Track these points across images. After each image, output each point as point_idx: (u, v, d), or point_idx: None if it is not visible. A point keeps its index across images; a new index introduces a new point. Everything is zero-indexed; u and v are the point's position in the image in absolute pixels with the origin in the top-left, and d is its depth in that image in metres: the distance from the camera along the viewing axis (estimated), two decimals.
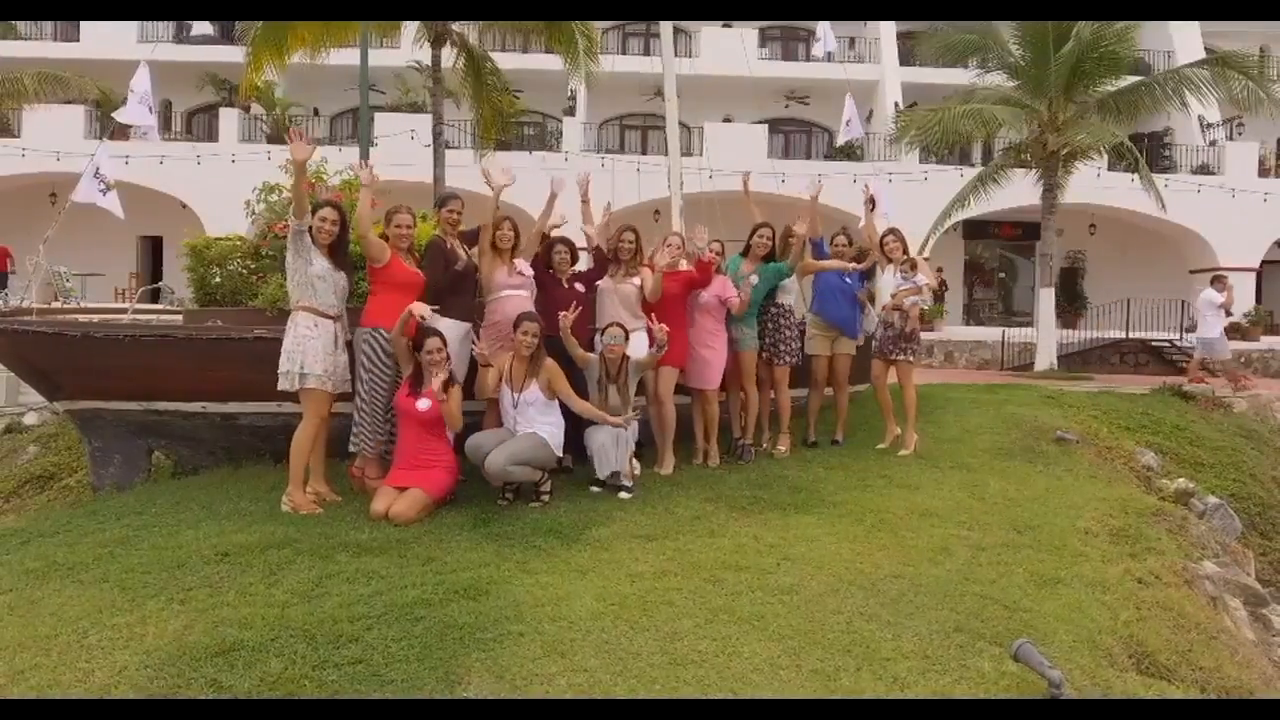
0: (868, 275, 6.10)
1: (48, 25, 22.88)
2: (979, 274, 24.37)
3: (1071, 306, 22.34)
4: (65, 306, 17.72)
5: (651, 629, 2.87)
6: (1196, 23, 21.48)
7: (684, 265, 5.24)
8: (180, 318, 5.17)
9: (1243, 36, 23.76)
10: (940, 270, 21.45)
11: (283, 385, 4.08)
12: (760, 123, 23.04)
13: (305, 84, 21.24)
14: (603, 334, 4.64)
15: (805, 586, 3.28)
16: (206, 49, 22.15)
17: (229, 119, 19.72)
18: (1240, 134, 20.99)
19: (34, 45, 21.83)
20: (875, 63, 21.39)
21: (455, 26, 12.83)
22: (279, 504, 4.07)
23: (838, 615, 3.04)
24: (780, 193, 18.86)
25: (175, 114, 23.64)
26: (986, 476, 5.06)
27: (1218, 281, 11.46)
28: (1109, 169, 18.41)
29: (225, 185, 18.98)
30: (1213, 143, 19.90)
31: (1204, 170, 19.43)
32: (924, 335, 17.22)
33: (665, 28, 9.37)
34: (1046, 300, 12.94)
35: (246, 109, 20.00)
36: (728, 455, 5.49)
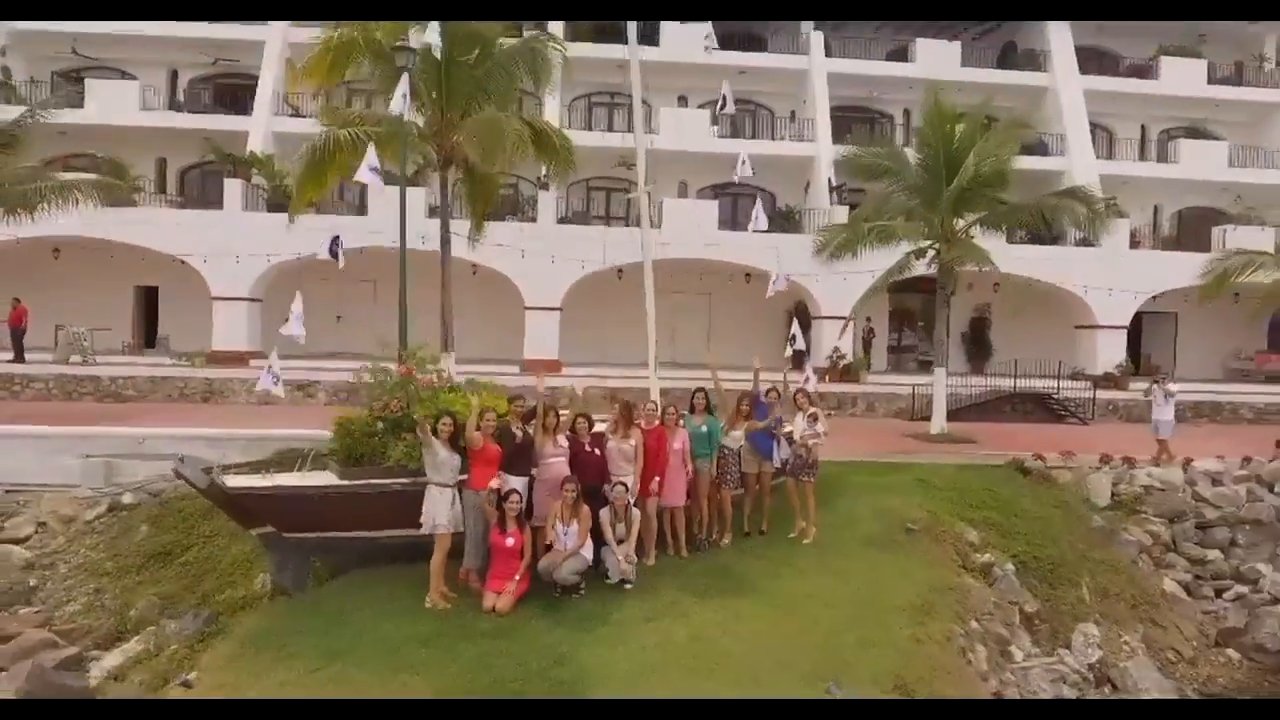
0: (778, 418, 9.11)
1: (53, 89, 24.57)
2: (905, 319, 27.93)
3: (980, 352, 26.05)
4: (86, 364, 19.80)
5: (659, 673, 5.76)
6: (1086, 118, 25.31)
7: (658, 417, 8.21)
8: (336, 476, 7.70)
9: (1125, 120, 27.85)
10: (869, 320, 24.89)
11: (424, 531, 6.85)
12: (712, 187, 26.21)
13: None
14: (612, 489, 7.51)
15: (739, 650, 6.21)
16: (200, 117, 24.20)
17: (233, 189, 21.86)
18: (1116, 212, 24.86)
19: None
20: (812, 140, 24.61)
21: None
22: (423, 601, 6.85)
23: (757, 665, 5.98)
24: (726, 260, 22.03)
25: (170, 171, 25.61)
26: (853, 564, 8.11)
27: (1163, 380, 14.58)
28: (1008, 241, 22.03)
29: (230, 248, 21.36)
30: (1093, 219, 23.60)
31: (1085, 243, 23.15)
32: (850, 389, 20.46)
33: (637, 123, 12.02)
34: (940, 377, 16.18)
35: (248, 178, 22.17)
36: (690, 546, 8.42)
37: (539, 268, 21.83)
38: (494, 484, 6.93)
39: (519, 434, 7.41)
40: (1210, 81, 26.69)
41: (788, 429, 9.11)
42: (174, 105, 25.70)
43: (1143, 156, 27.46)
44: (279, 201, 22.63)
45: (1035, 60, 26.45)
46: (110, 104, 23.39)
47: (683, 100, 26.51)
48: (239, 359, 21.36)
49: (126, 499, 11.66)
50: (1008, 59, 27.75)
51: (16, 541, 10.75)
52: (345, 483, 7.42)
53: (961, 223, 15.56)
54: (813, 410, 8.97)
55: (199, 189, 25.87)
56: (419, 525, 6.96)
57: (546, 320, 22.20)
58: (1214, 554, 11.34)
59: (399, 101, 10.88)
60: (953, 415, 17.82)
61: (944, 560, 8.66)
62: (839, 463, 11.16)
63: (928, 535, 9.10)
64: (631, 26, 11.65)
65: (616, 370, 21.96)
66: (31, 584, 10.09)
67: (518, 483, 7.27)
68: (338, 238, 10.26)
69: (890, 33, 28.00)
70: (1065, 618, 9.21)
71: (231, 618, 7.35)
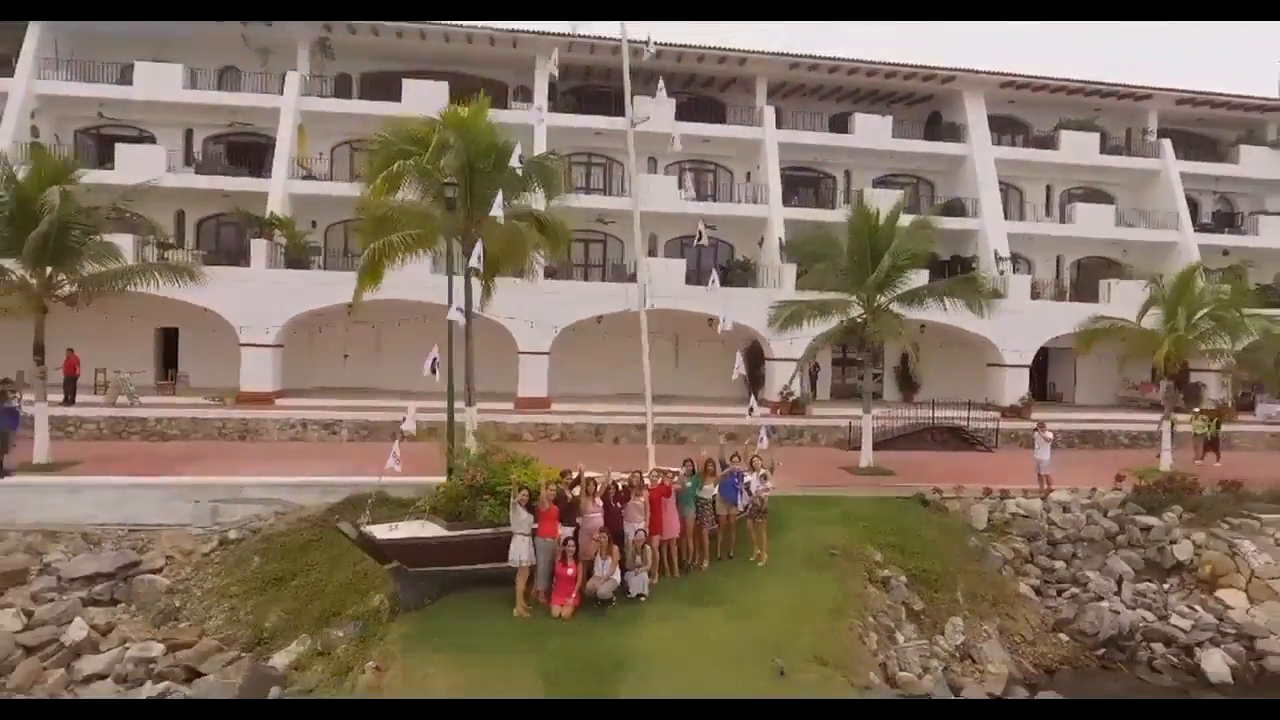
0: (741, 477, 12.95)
1: (90, 153, 27.20)
2: (848, 353, 32.14)
3: (909, 385, 30.42)
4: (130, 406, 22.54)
5: (669, 653, 9.47)
6: (998, 190, 29.82)
7: (660, 481, 11.97)
8: (443, 529, 11.20)
9: (1033, 182, 32.60)
10: (815, 359, 28.95)
11: (510, 564, 10.47)
12: (680, 239, 30.07)
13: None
14: (634, 532, 11.21)
15: (718, 637, 9.95)
16: (219, 179, 27.13)
17: (259, 248, 24.92)
18: (1019, 269, 29.50)
19: None
20: (765, 203, 28.64)
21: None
22: (511, 611, 10.46)
23: (731, 647, 9.73)
24: (692, 310, 25.78)
25: (188, 223, 28.44)
26: (792, 579, 11.95)
27: (1042, 428, 18.67)
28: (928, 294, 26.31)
29: (257, 302, 24.43)
30: (1001, 272, 28.23)
31: (995, 294, 27.57)
32: (798, 422, 24.51)
33: (637, 243, 15.85)
34: (867, 422, 20.21)
35: (270, 237, 25.22)
36: (681, 569, 12.18)
37: (531, 317, 25.38)
38: (564, 533, 10.63)
39: (569, 496, 11.08)
40: (1102, 151, 31.55)
41: (749, 479, 12.94)
42: (189, 161, 28.59)
43: (1048, 214, 32.24)
44: (297, 257, 25.87)
45: (956, 132, 30.93)
46: (138, 165, 26.15)
47: (652, 161, 30.26)
48: (265, 399, 24.49)
49: (231, 535, 14.96)
50: (935, 127, 32.21)
51: (154, 571, 13.97)
52: (453, 534, 10.95)
53: (883, 299, 19.63)
54: (763, 470, 12.82)
55: (214, 239, 28.81)
56: (505, 560, 10.57)
57: (537, 363, 25.77)
58: (1059, 564, 15.55)
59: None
60: (884, 444, 22.03)
61: (855, 575, 12.58)
62: (786, 497, 15.02)
63: (845, 557, 13.03)
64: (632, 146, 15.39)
65: (599, 406, 25.73)
66: (176, 605, 13.36)
67: (567, 531, 10.93)
68: (436, 359, 13.69)
69: (832, 104, 32.27)
70: (942, 613, 13.22)
71: (378, 626, 10.81)
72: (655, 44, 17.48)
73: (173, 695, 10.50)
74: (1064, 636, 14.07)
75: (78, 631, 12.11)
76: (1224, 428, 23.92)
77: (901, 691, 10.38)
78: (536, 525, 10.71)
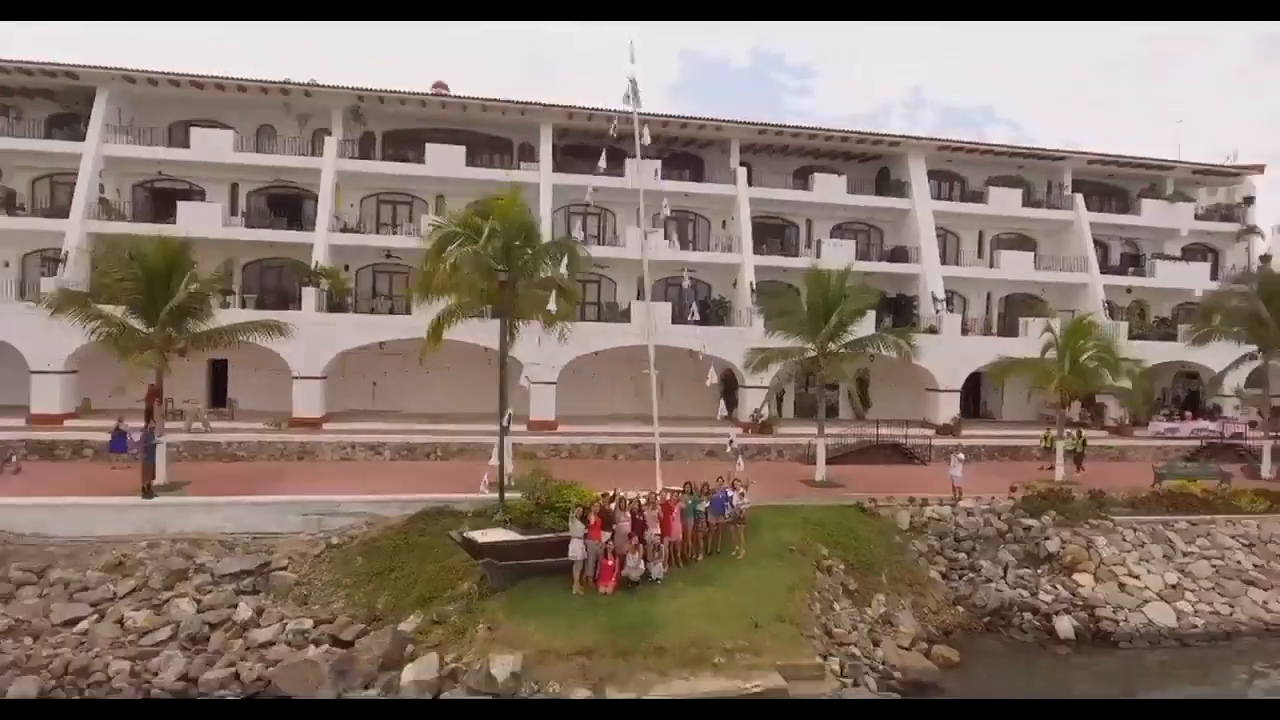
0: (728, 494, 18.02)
1: (145, 206, 31.47)
2: (810, 375, 37.48)
3: (862, 403, 35.78)
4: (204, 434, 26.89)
5: (684, 616, 14.44)
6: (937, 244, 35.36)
7: (668, 497, 16.99)
8: (519, 534, 16.03)
9: (968, 230, 38.16)
10: (782, 392, 34.16)
11: (570, 558, 15.36)
12: (664, 281, 35.04)
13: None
14: (652, 536, 16.17)
15: (715, 605, 14.94)
16: (267, 232, 31.54)
17: (309, 296, 29.42)
18: (954, 307, 35.08)
19: (127, 225, 30.17)
20: (738, 252, 33.79)
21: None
22: (570, 590, 15.36)
23: (722, 615, 14.72)
24: (676, 344, 30.46)
25: (236, 267, 32.77)
26: (763, 568, 17.01)
27: (956, 450, 23.93)
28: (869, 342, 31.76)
29: (309, 343, 28.90)
30: (937, 312, 33.76)
31: (931, 330, 33.12)
32: (767, 440, 29.89)
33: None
34: (821, 446, 25.43)
35: (317, 284, 29.70)
36: (684, 561, 17.18)
37: (541, 352, 30.19)
38: (605, 536, 15.57)
39: (609, 511, 16.04)
40: (1025, 203, 37.28)
41: (731, 496, 17.98)
42: (234, 212, 32.93)
43: (980, 258, 37.90)
44: (339, 303, 30.45)
45: (902, 188, 36.42)
46: (196, 219, 30.43)
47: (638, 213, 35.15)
48: (315, 423, 29.03)
49: (334, 540, 19.62)
50: (884, 182, 37.68)
51: (282, 569, 18.60)
52: (528, 537, 15.82)
53: (833, 346, 24.84)
54: (741, 489, 17.91)
55: (258, 281, 33.17)
56: (565, 555, 15.45)
57: (547, 392, 30.60)
58: (961, 555, 20.88)
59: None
60: (838, 459, 27.28)
61: (807, 564, 17.71)
62: (758, 506, 20.08)
63: (800, 551, 18.16)
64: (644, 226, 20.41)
65: (598, 426, 30.62)
66: (304, 593, 17.99)
67: (607, 535, 15.86)
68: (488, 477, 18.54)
69: (796, 160, 37.61)
70: (870, 591, 18.41)
71: (476, 602, 15.61)
72: (645, 114, 21.83)
73: (331, 657, 15.17)
74: (961, 609, 19.36)
75: (244, 612, 16.76)
76: (1114, 441, 29.60)
77: (835, 641, 15.48)
78: (587, 531, 15.63)
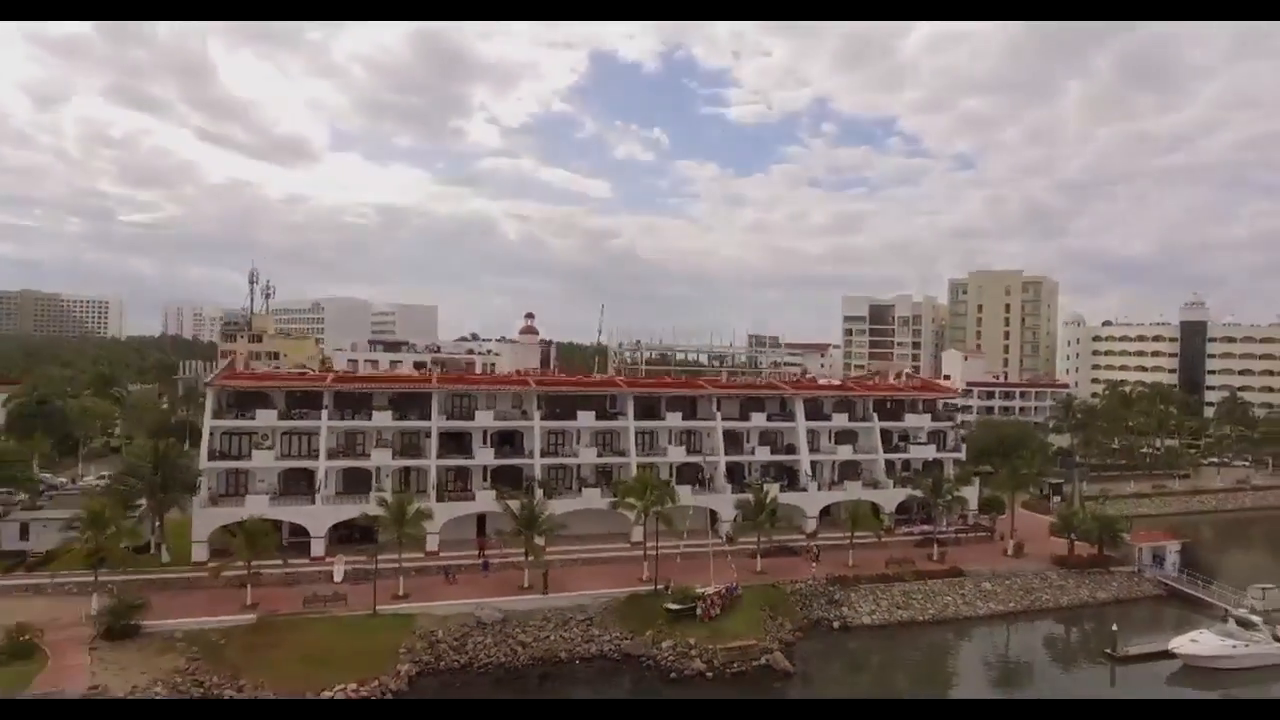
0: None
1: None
2: None
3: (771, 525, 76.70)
4: None
5: (727, 625, 53.84)
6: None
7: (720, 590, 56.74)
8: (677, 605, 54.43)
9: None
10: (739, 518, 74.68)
11: (697, 611, 54.54)
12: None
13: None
14: (710, 602, 55.57)
15: (740, 622, 54.37)
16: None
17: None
18: (814, 476, 76.66)
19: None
20: (717, 454, 73.83)
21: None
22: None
23: (746, 624, 54.23)
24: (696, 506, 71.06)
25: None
26: (747, 611, 56.71)
27: (814, 551, 64.03)
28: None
29: None
30: (810, 475, 74.79)
31: (804, 488, 74.04)
32: (729, 547, 72.24)
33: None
34: (758, 552, 65.73)
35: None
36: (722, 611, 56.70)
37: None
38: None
39: (705, 593, 55.39)
40: (850, 419, 79.02)
41: (734, 586, 57.49)
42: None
43: (830, 441, 79.45)
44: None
45: (792, 414, 77.49)
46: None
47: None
48: None
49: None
50: (783, 408, 78.62)
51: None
52: (678, 606, 54.67)
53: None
54: (735, 581, 57.62)
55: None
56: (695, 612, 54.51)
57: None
58: (816, 600, 61.46)
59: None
60: (765, 554, 67.59)
61: (759, 608, 57.55)
62: (744, 587, 59.59)
63: (758, 606, 58.10)
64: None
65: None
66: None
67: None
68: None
69: (738, 402, 78.29)
70: (779, 614, 58.57)
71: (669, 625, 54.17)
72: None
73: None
74: (806, 623, 59.69)
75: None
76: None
77: (773, 627, 55.22)
78: (705, 597, 54.83)
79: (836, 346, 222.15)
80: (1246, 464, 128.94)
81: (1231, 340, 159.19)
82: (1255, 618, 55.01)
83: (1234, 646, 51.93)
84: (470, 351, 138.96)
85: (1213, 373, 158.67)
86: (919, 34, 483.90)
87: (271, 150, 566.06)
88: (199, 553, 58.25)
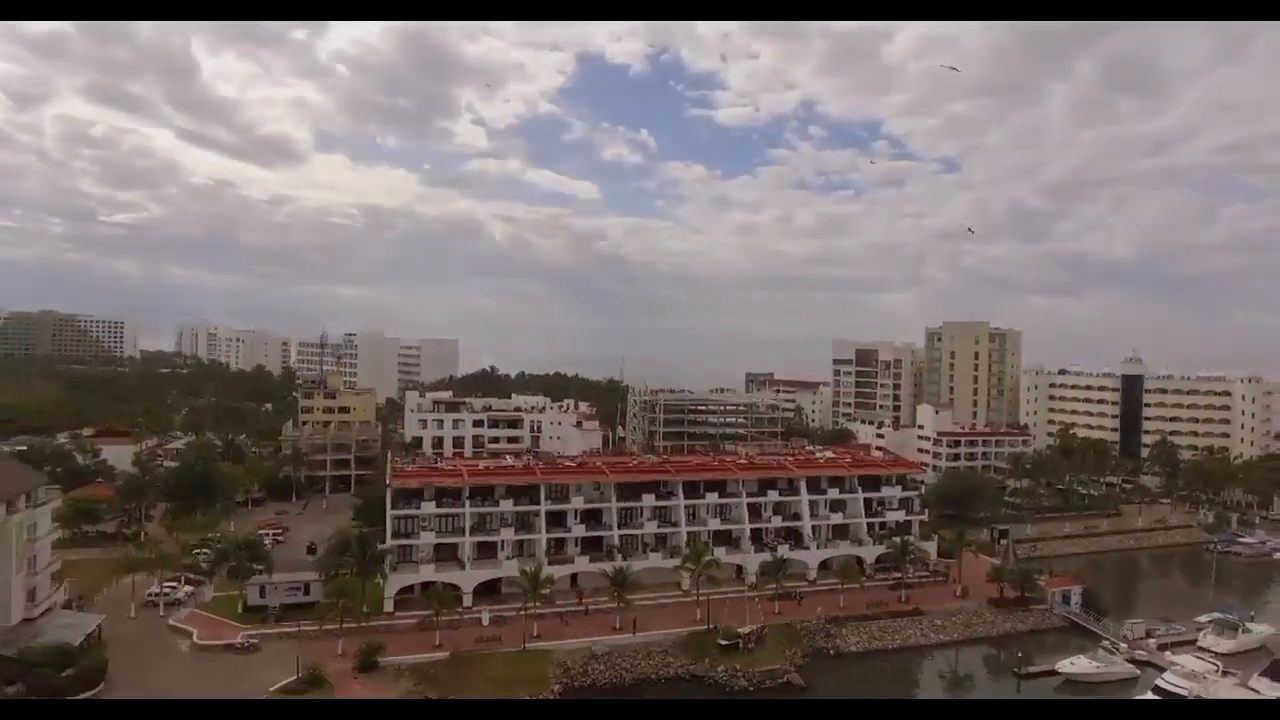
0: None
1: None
2: None
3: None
4: None
5: (760, 651, 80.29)
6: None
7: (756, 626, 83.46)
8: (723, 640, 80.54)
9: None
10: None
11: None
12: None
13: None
14: (750, 634, 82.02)
15: (771, 645, 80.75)
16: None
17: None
18: (816, 540, 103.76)
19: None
20: (743, 523, 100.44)
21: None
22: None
23: (774, 644, 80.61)
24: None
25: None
26: (773, 641, 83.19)
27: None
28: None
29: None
30: (811, 539, 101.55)
31: (806, 546, 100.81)
32: (751, 593, 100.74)
33: None
34: (774, 598, 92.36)
35: None
36: (757, 643, 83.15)
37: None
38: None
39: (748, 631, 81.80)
40: (840, 492, 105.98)
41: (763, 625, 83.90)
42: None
43: (824, 509, 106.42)
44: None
45: (796, 490, 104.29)
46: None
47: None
48: None
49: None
50: (773, 483, 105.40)
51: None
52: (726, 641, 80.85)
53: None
54: (764, 621, 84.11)
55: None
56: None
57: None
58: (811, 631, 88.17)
59: None
60: (781, 598, 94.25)
61: (781, 641, 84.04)
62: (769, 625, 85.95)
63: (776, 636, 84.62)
64: None
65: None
66: None
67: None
68: None
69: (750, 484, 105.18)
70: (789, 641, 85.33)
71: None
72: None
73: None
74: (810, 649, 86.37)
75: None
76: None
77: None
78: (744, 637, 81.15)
79: (826, 384, 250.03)
80: (1168, 503, 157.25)
81: (1164, 391, 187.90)
82: (1117, 647, 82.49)
83: (1098, 667, 79.03)
84: (517, 410, 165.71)
85: (1149, 419, 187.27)
86: (904, 36, 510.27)
87: (255, 151, 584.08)
88: (388, 606, 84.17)
